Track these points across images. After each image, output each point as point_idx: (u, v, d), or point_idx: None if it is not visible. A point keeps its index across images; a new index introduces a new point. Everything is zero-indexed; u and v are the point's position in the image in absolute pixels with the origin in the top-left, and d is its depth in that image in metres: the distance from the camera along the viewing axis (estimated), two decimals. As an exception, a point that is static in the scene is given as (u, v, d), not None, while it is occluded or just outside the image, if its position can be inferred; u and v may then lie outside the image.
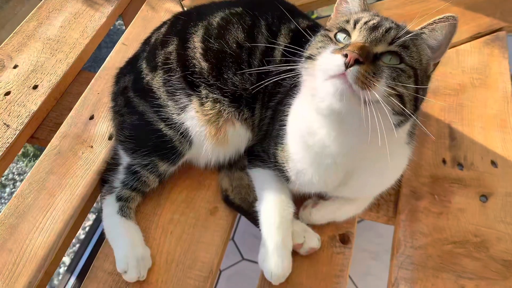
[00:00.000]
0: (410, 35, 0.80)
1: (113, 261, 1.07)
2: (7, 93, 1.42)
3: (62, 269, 2.25)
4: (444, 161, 1.24)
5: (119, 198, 1.13)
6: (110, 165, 1.18)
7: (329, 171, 0.98)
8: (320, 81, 0.78)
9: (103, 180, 1.18)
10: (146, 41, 1.28)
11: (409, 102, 0.80)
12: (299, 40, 0.93)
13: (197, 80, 1.11)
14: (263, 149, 1.13)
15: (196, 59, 1.12)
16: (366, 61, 0.74)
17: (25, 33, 1.61)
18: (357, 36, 0.80)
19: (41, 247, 1.11)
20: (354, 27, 0.82)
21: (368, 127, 0.76)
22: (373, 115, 0.75)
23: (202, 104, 1.10)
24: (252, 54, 1.12)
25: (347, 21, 0.85)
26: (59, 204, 1.18)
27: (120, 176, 1.15)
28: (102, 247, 1.12)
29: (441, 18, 0.82)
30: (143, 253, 1.06)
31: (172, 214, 1.17)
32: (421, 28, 0.85)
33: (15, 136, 1.32)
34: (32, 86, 1.45)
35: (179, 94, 1.12)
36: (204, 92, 1.11)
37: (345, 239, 1.11)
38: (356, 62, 0.73)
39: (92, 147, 1.29)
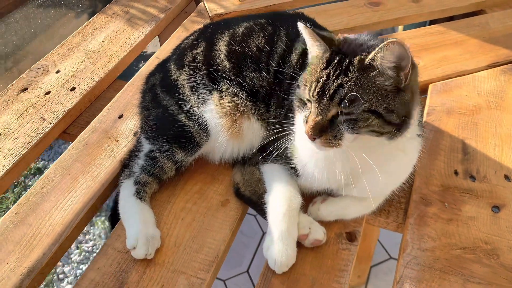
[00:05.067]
0: (353, 88, 0.86)
1: (123, 241, 1.11)
2: (47, 93, 1.56)
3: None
4: (456, 173, 1.24)
5: (137, 182, 1.18)
6: (132, 152, 1.25)
7: (329, 167, 1.02)
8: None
9: (124, 165, 1.24)
10: (177, 47, 1.40)
11: (383, 129, 0.88)
12: None
13: (219, 76, 1.20)
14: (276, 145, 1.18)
15: (220, 59, 1.22)
16: (322, 133, 0.89)
17: (70, 45, 1.78)
18: (312, 109, 0.91)
19: (58, 224, 1.17)
20: (308, 94, 0.91)
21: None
22: (356, 145, 0.91)
23: (221, 98, 1.18)
24: (271, 57, 1.20)
25: (305, 85, 0.93)
26: (81, 188, 1.25)
27: (140, 161, 1.21)
28: (115, 229, 1.16)
29: (381, 47, 0.84)
30: (153, 232, 1.09)
31: (185, 203, 1.21)
32: (371, 60, 0.87)
33: (48, 128, 1.43)
34: (70, 88, 1.58)
35: (201, 89, 1.20)
36: (224, 87, 1.18)
37: (352, 237, 1.11)
38: (315, 138, 0.89)
39: (117, 141, 1.38)
